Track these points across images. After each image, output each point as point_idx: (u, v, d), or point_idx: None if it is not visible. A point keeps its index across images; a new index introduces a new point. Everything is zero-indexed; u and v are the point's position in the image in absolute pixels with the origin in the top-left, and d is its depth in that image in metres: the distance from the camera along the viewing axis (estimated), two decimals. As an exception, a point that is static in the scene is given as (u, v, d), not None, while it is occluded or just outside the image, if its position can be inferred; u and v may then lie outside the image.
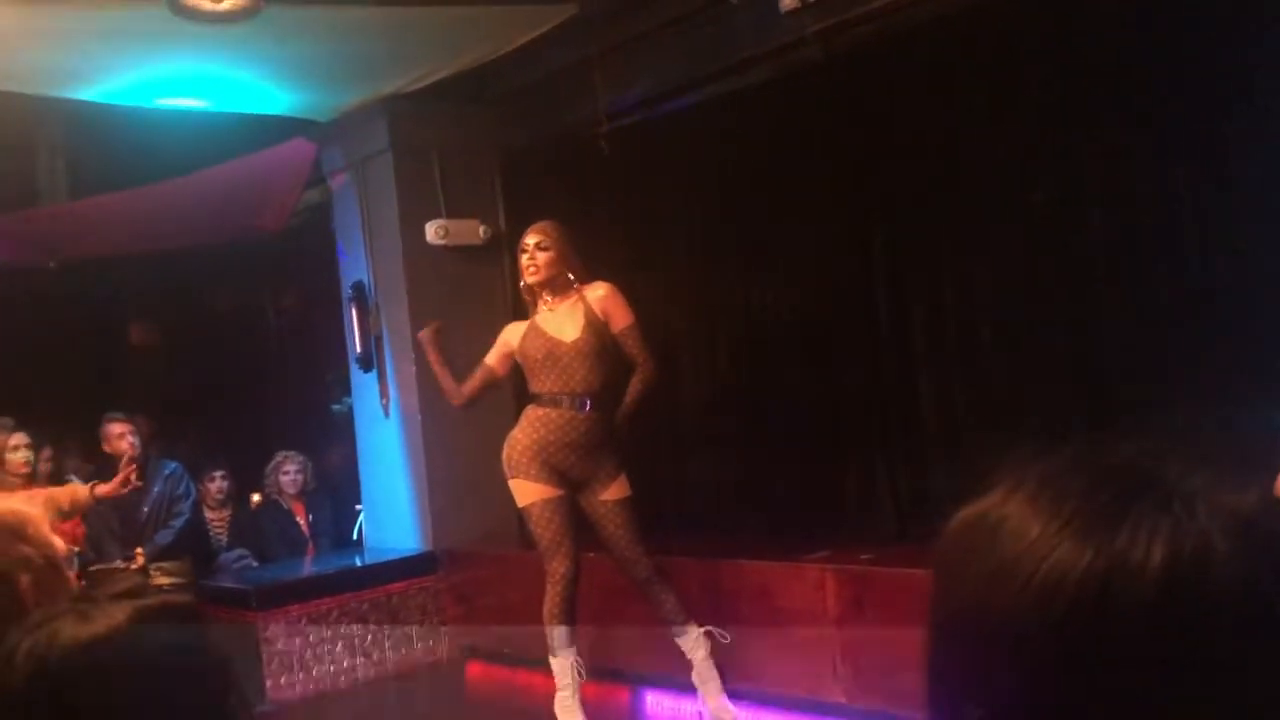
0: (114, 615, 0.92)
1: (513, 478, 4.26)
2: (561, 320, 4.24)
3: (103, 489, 5.23)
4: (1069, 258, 4.24)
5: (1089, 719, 0.59)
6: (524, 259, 4.27)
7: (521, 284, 4.34)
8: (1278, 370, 3.44)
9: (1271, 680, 0.55)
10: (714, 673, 4.31)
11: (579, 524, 4.27)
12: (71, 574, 1.47)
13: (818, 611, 4.25)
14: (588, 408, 4.20)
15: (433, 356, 4.48)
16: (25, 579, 1.32)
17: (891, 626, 3.86)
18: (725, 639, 4.32)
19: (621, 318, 4.25)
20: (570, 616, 4.21)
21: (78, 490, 5.34)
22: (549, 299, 4.27)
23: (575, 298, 4.25)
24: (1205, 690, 0.55)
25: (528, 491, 4.23)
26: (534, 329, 4.27)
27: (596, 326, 4.21)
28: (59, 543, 1.40)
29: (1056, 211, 4.24)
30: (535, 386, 4.27)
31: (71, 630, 0.90)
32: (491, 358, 4.41)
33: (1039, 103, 4.25)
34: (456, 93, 5.90)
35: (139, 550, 5.91)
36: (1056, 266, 4.27)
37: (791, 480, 5.04)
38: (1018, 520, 0.66)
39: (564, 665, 4.21)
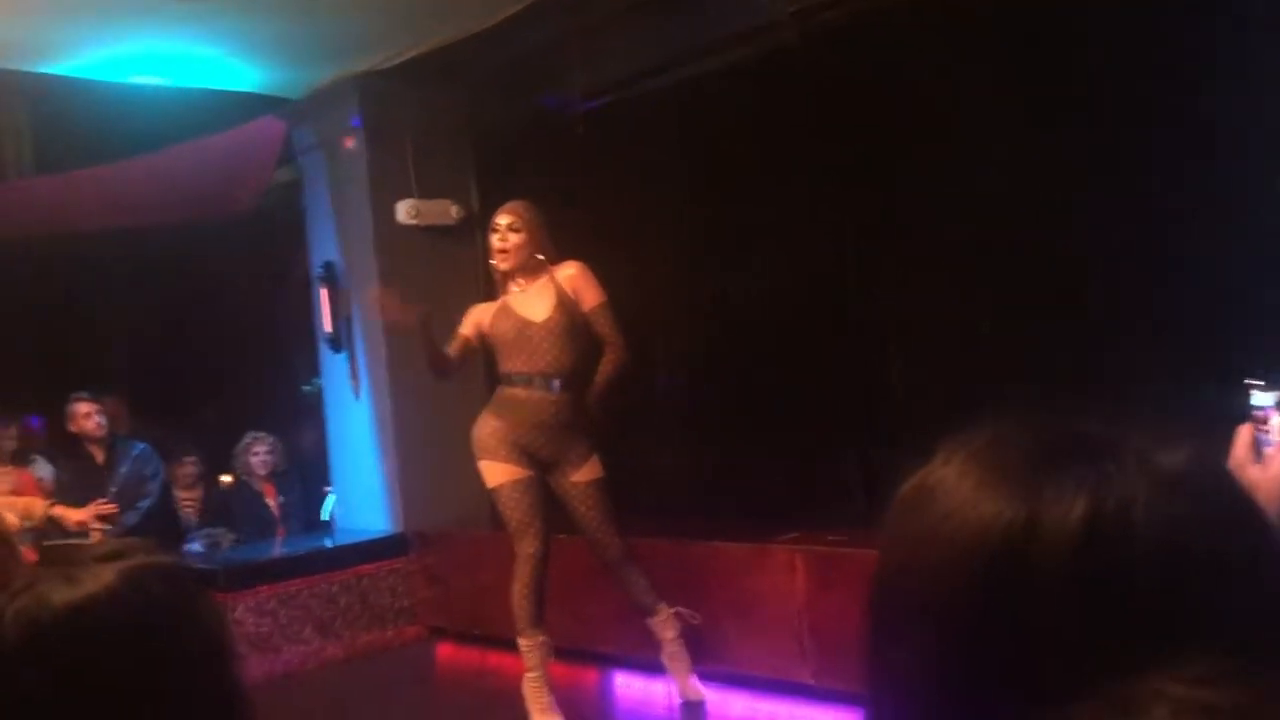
0: (102, 576, 0.92)
1: (482, 459, 4.24)
2: (532, 300, 4.22)
3: (66, 513, 5.19)
4: (1044, 241, 4.26)
5: (1011, 668, 0.59)
6: (495, 239, 4.24)
7: (492, 265, 4.31)
8: (1241, 356, 3.47)
9: (1186, 633, 0.55)
10: (684, 653, 4.32)
11: (549, 505, 4.26)
12: (24, 549, 1.45)
13: (787, 593, 4.27)
14: (558, 388, 4.18)
15: (425, 338, 4.32)
16: None
17: (859, 608, 3.88)
18: (695, 620, 4.33)
19: (592, 296, 4.23)
20: (539, 597, 4.21)
21: (33, 505, 5.26)
22: (520, 280, 4.24)
23: (546, 278, 4.23)
24: (1122, 641, 0.55)
25: (497, 472, 4.21)
26: (504, 309, 4.25)
27: (567, 306, 4.19)
28: (10, 518, 1.39)
29: (1033, 189, 4.25)
30: (505, 367, 4.25)
31: (61, 592, 0.90)
32: (466, 328, 4.34)
33: (1017, 88, 4.25)
34: (430, 71, 5.86)
35: (96, 526, 5.85)
36: (1031, 250, 4.29)
37: (762, 462, 5.06)
38: (952, 480, 0.67)
39: (532, 646, 4.21)
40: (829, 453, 4.91)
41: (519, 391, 4.19)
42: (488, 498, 6.12)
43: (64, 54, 5.26)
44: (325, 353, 6.31)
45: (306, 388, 7.41)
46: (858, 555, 4.02)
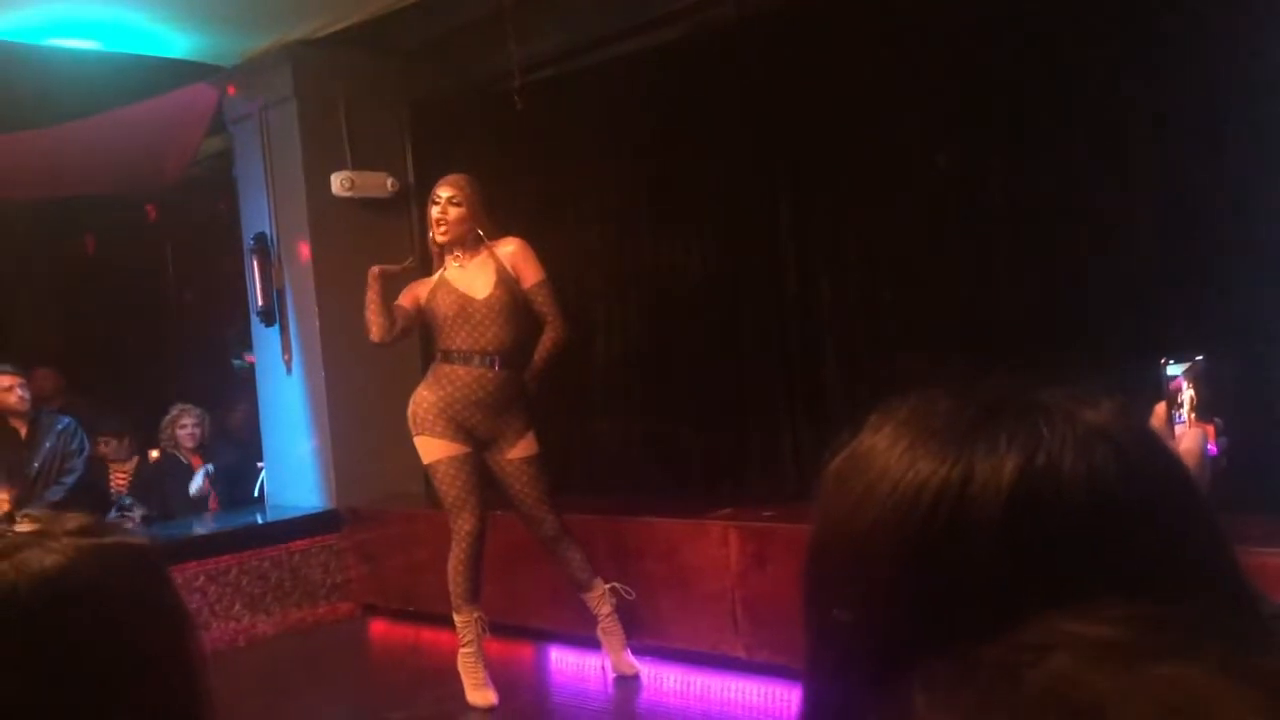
0: (80, 547, 0.92)
1: (418, 434, 4.22)
2: (472, 276, 4.18)
3: None
4: (972, 222, 4.32)
5: (943, 622, 0.61)
6: (435, 211, 4.18)
7: (429, 237, 4.27)
8: (1166, 326, 3.56)
9: (1112, 580, 0.57)
10: (618, 628, 4.34)
11: (485, 482, 4.25)
12: None
13: (720, 568, 4.31)
14: (497, 366, 4.17)
15: (373, 292, 4.24)
16: None
17: (792, 583, 3.93)
18: (630, 595, 4.35)
19: (532, 274, 4.21)
20: (475, 574, 4.20)
21: None
22: (458, 254, 4.21)
23: (485, 254, 4.20)
24: (1051, 589, 0.57)
25: (433, 449, 4.19)
26: (444, 284, 4.21)
27: (508, 283, 4.17)
28: None
29: (964, 174, 4.31)
30: (445, 343, 4.22)
31: (39, 559, 0.90)
32: (404, 299, 4.29)
33: (948, 67, 4.30)
34: (365, 41, 5.77)
35: (3, 498, 5.71)
36: (960, 231, 4.35)
37: (697, 438, 5.09)
38: (884, 446, 0.68)
39: (467, 621, 4.21)
40: (762, 428, 4.95)
41: (458, 369, 4.16)
42: (422, 474, 6.10)
43: (-15, 15, 5.10)
44: (257, 326, 6.21)
45: (237, 362, 7.30)
46: (790, 530, 4.07)
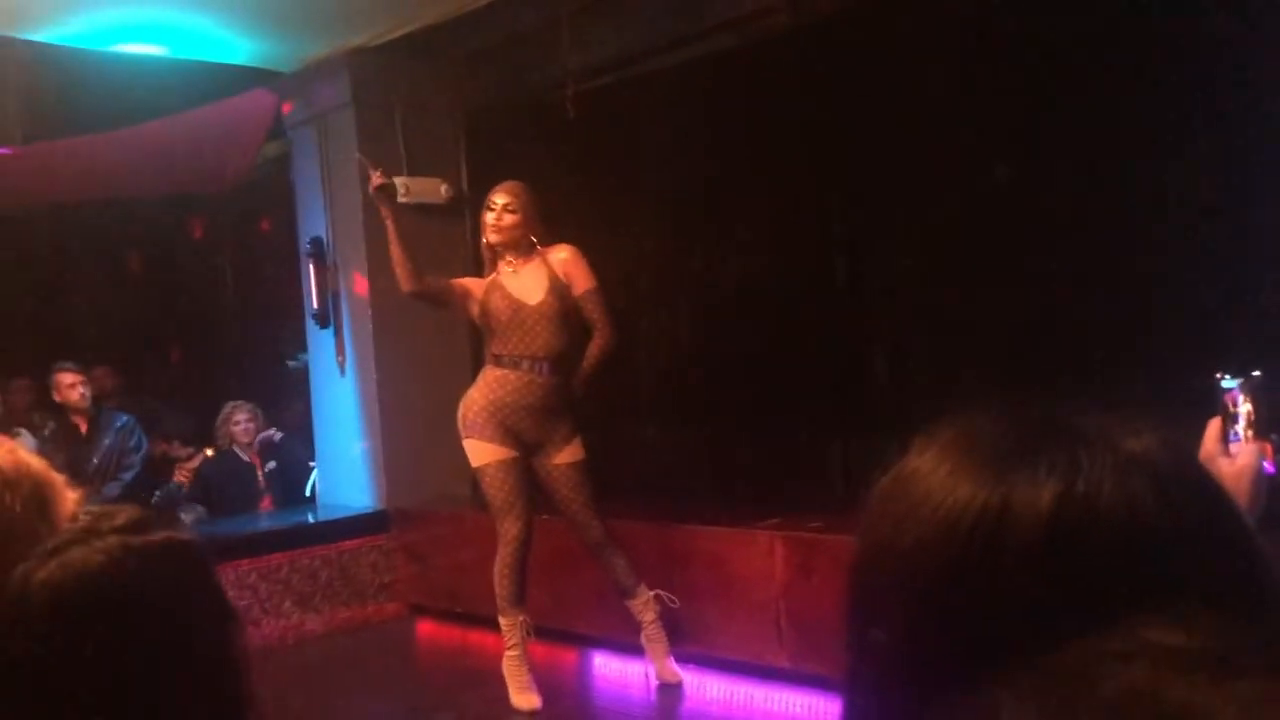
0: (125, 545, 0.94)
1: (467, 438, 4.26)
2: (525, 282, 4.22)
3: None
4: (1028, 233, 4.29)
5: (982, 641, 0.62)
6: (489, 217, 4.22)
7: (483, 242, 4.31)
8: (1223, 341, 3.51)
9: (1147, 605, 0.57)
10: (662, 635, 4.35)
11: (532, 486, 4.28)
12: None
13: (766, 577, 4.30)
14: (547, 371, 4.20)
15: (391, 229, 4.21)
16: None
17: (838, 595, 3.92)
18: (674, 603, 4.36)
19: (583, 281, 4.24)
20: (520, 577, 4.23)
21: None
22: (511, 259, 4.24)
23: (538, 260, 4.23)
24: (1087, 612, 0.58)
25: (482, 452, 4.22)
26: (497, 287, 4.24)
27: (560, 290, 4.20)
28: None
29: (1017, 186, 4.28)
30: (496, 348, 4.25)
31: (83, 559, 0.92)
32: (459, 282, 4.34)
33: (1005, 77, 4.27)
34: (422, 48, 5.84)
35: (75, 497, 5.84)
36: (1015, 243, 4.32)
37: (745, 447, 5.09)
38: (928, 468, 0.69)
39: (512, 625, 4.24)
40: (811, 439, 4.94)
41: (509, 373, 4.20)
42: (470, 476, 6.16)
43: (55, 20, 5.23)
44: (312, 328, 6.30)
45: (291, 363, 7.41)
46: (837, 542, 4.05)
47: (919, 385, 4.52)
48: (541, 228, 4.26)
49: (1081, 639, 0.52)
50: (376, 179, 4.20)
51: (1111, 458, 0.65)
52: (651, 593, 4.33)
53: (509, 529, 4.19)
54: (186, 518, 6.45)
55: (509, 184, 4.26)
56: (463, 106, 6.17)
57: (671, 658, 4.37)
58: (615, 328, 4.30)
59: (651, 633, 4.34)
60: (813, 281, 4.90)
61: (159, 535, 0.99)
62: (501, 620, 4.26)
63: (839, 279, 4.83)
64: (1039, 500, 0.64)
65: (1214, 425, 1.29)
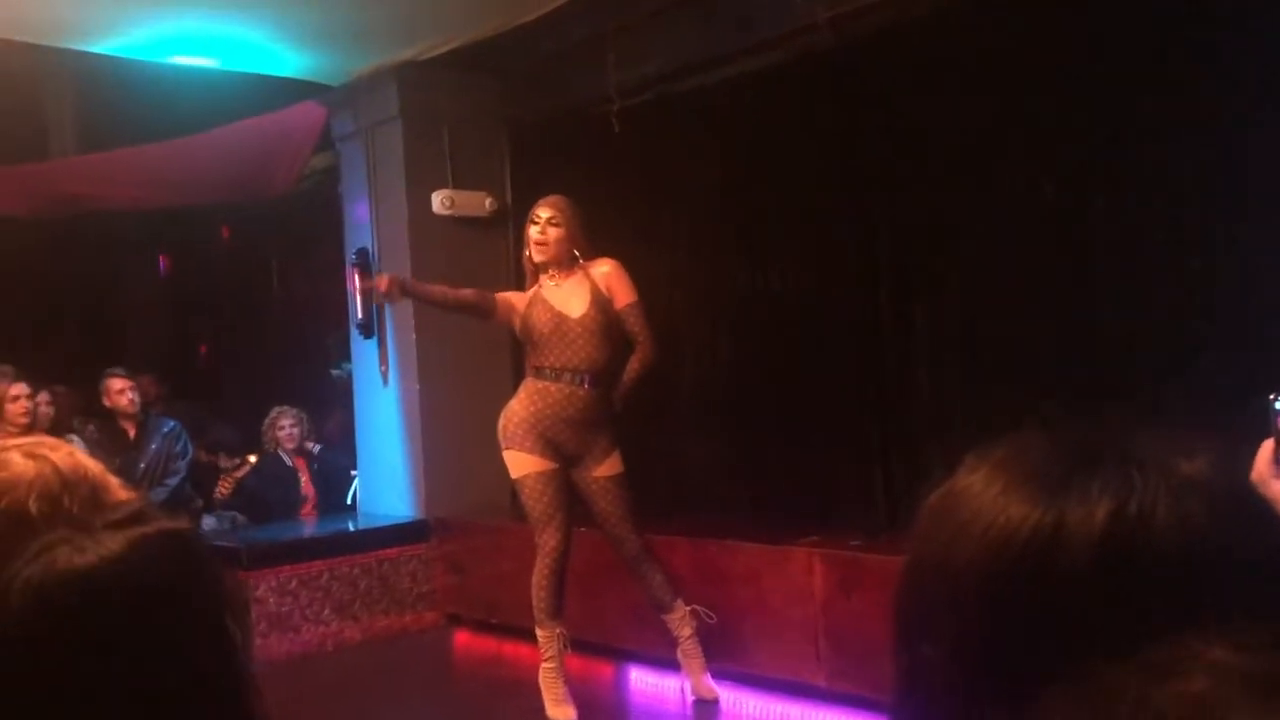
0: (111, 544, 0.91)
1: (507, 449, 4.28)
2: (568, 295, 4.24)
3: None
4: (1075, 254, 4.25)
5: (1033, 658, 0.62)
6: (534, 231, 4.24)
7: (525, 255, 4.34)
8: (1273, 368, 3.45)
9: (1195, 637, 0.57)
10: (698, 651, 4.34)
11: (572, 499, 4.30)
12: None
13: (804, 595, 4.29)
14: (587, 384, 4.21)
15: (423, 298, 4.50)
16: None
17: (877, 613, 3.90)
18: (710, 619, 4.35)
19: (625, 295, 4.26)
20: (558, 589, 4.24)
21: None
22: (554, 273, 4.27)
23: (580, 274, 4.26)
24: (1138, 632, 0.58)
25: (522, 463, 4.25)
26: (540, 301, 4.27)
27: (602, 303, 4.22)
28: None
29: (1065, 207, 4.25)
30: (538, 360, 4.27)
31: (67, 560, 0.89)
32: (502, 296, 4.41)
33: (1051, 97, 4.24)
34: (469, 63, 5.90)
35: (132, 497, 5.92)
36: (1062, 263, 4.28)
37: (785, 463, 5.07)
38: (980, 485, 0.70)
39: (549, 637, 4.25)
40: (852, 457, 4.91)
41: (550, 385, 4.22)
42: (510, 488, 6.18)
43: (109, 33, 5.33)
44: (356, 338, 6.36)
45: (336, 372, 7.48)
46: (876, 561, 4.03)
47: (961, 405, 4.49)
48: (585, 242, 4.28)
49: (1134, 656, 0.52)
50: (381, 287, 4.31)
51: (1165, 479, 0.65)
52: (688, 608, 4.32)
53: (547, 540, 4.21)
54: (221, 524, 6.52)
55: (553, 198, 4.29)
56: (508, 121, 6.22)
57: (708, 674, 4.36)
58: (656, 342, 4.31)
59: (688, 648, 4.34)
60: (855, 299, 4.89)
61: (151, 527, 0.94)
62: (539, 632, 4.27)
63: (881, 295, 4.81)
64: (1092, 520, 0.64)
65: (1267, 447, 1.27)
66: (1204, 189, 3.88)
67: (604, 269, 4.26)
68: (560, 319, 4.21)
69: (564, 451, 4.24)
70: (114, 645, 0.88)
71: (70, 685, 0.86)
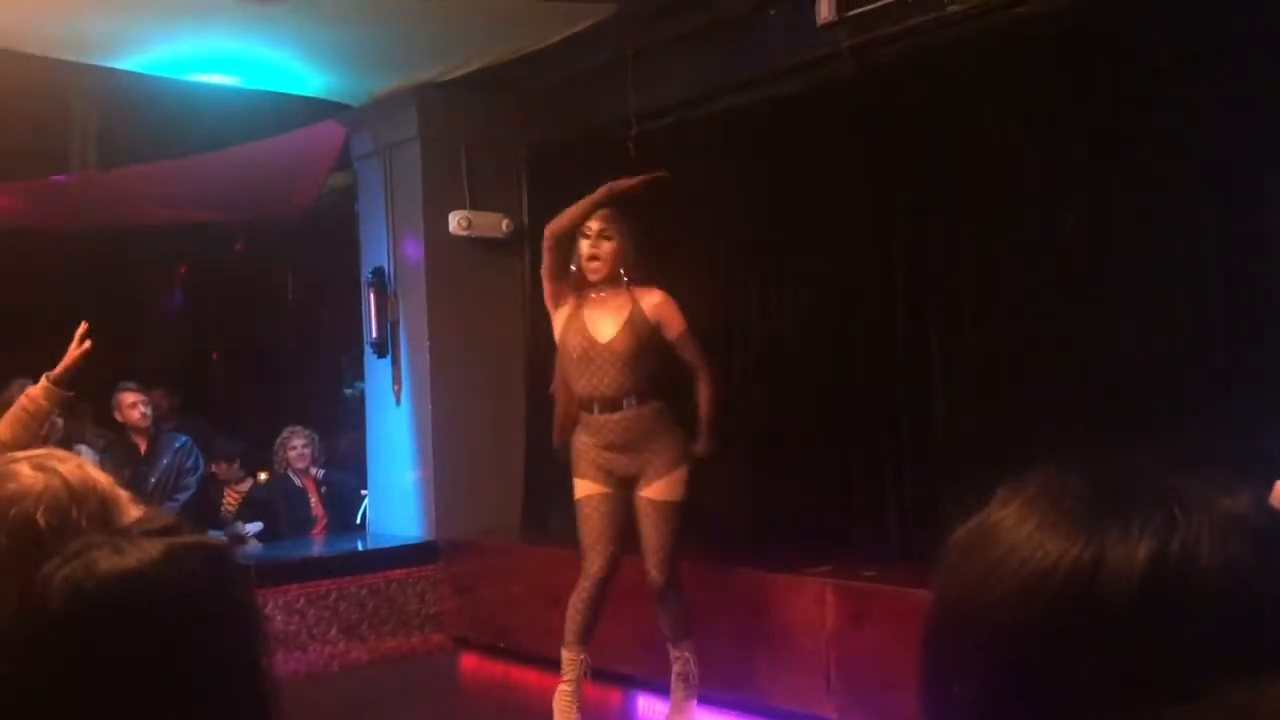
0: (149, 549, 0.92)
1: (573, 473, 4.23)
2: (604, 318, 4.14)
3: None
4: (1093, 285, 4.22)
5: (1070, 700, 0.60)
6: (585, 246, 4.13)
7: (573, 269, 4.19)
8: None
9: (1237, 679, 0.56)
10: (682, 690, 4.25)
11: (625, 526, 4.18)
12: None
13: (816, 625, 4.24)
14: (624, 407, 4.11)
15: (548, 256, 4.21)
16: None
17: (889, 644, 3.85)
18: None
19: (676, 325, 4.17)
20: (591, 615, 4.14)
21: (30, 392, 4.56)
22: (601, 289, 4.14)
23: (625, 297, 4.16)
24: (1182, 677, 0.56)
25: (579, 487, 4.19)
26: (576, 321, 4.16)
27: (638, 329, 4.11)
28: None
29: (1083, 239, 4.22)
30: (573, 386, 4.20)
31: (108, 561, 0.91)
32: (561, 311, 4.25)
33: (1070, 129, 4.23)
34: (488, 85, 5.92)
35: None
36: (1080, 293, 4.25)
37: (799, 492, 5.03)
38: (1014, 520, 0.68)
39: (573, 660, 4.16)
40: (866, 486, 4.87)
41: (584, 414, 4.18)
42: (520, 510, 6.17)
43: (132, 50, 5.37)
44: (369, 357, 6.36)
45: (348, 390, 7.49)
46: (889, 592, 3.99)
47: (979, 436, 4.45)
48: (636, 263, 4.18)
49: (1182, 701, 0.50)
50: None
51: (1208, 517, 0.64)
52: (688, 655, 4.23)
53: (590, 565, 4.14)
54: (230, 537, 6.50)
55: (606, 211, 4.17)
56: (526, 143, 6.23)
57: (694, 708, 4.27)
58: (712, 366, 4.25)
59: (675, 684, 4.26)
60: (871, 327, 4.86)
61: (189, 538, 0.96)
62: (564, 653, 4.19)
63: (899, 324, 4.78)
64: (1133, 558, 0.63)
65: None
66: (1226, 220, 3.85)
67: (654, 300, 4.15)
68: (589, 344, 4.11)
69: (619, 474, 4.16)
70: (148, 648, 0.89)
71: (102, 684, 0.87)
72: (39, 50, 5.36)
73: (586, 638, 4.17)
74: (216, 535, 6.31)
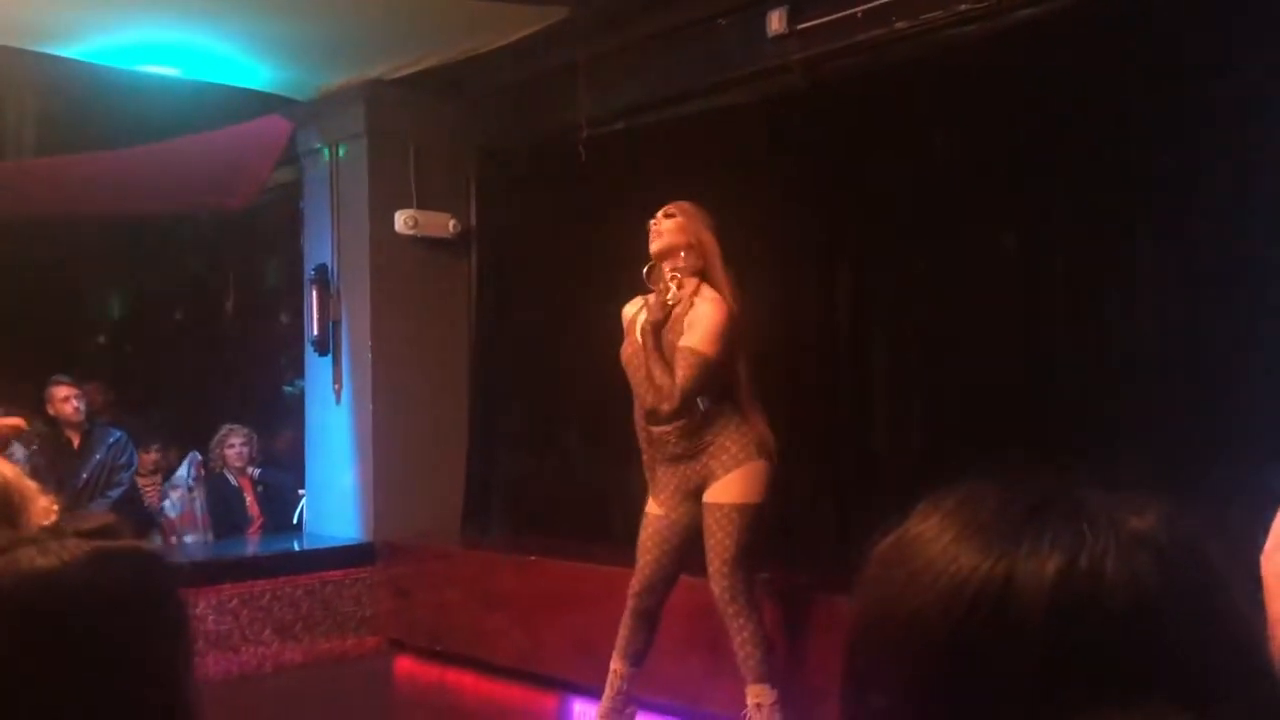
0: (74, 550, 0.91)
1: None
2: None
3: None
4: (1033, 302, 4.29)
5: (981, 711, 0.61)
6: (650, 225, 3.83)
7: (659, 290, 3.81)
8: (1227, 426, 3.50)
9: (1148, 685, 0.57)
10: None
11: (675, 545, 3.89)
12: None
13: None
14: (659, 423, 3.77)
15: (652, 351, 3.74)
16: None
17: (824, 653, 3.88)
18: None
19: (691, 335, 3.70)
20: (633, 629, 3.96)
21: None
22: (679, 279, 3.72)
23: (689, 300, 3.75)
24: (1086, 689, 0.58)
25: (648, 504, 3.97)
26: (634, 326, 3.85)
27: (676, 333, 3.74)
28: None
29: (1024, 256, 4.29)
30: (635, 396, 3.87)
31: (30, 559, 0.89)
32: (629, 319, 3.96)
33: (1014, 147, 4.30)
34: (438, 84, 5.89)
35: (47, 503, 5.80)
36: (1020, 311, 4.32)
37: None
38: (931, 535, 0.69)
39: (616, 671, 4.02)
40: (805, 496, 4.90)
41: (642, 428, 3.88)
42: (460, 513, 6.11)
43: (74, 37, 5.27)
44: (310, 354, 6.30)
45: (289, 388, 7.40)
46: (825, 599, 4.02)
47: (917, 447, 4.50)
48: (711, 260, 3.79)
49: (1081, 714, 0.51)
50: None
51: (1115, 534, 0.65)
52: (768, 703, 3.80)
53: (631, 581, 3.99)
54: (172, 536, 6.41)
55: (680, 202, 3.91)
56: (475, 143, 6.20)
57: None
58: (683, 398, 3.69)
59: None
60: (813, 340, 4.90)
61: (120, 542, 0.94)
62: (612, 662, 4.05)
63: (840, 338, 4.82)
64: (1042, 573, 0.64)
65: None
66: (1167, 246, 3.93)
67: (706, 306, 3.72)
68: (635, 349, 3.79)
69: (686, 489, 3.84)
70: (66, 649, 0.88)
71: (18, 684, 0.86)
72: (-23, 34, 5.24)
73: (626, 652, 3.98)
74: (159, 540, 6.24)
